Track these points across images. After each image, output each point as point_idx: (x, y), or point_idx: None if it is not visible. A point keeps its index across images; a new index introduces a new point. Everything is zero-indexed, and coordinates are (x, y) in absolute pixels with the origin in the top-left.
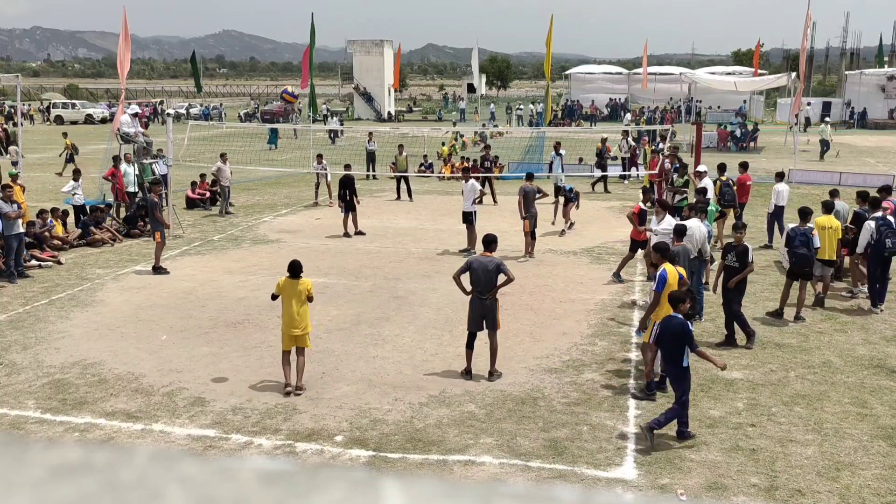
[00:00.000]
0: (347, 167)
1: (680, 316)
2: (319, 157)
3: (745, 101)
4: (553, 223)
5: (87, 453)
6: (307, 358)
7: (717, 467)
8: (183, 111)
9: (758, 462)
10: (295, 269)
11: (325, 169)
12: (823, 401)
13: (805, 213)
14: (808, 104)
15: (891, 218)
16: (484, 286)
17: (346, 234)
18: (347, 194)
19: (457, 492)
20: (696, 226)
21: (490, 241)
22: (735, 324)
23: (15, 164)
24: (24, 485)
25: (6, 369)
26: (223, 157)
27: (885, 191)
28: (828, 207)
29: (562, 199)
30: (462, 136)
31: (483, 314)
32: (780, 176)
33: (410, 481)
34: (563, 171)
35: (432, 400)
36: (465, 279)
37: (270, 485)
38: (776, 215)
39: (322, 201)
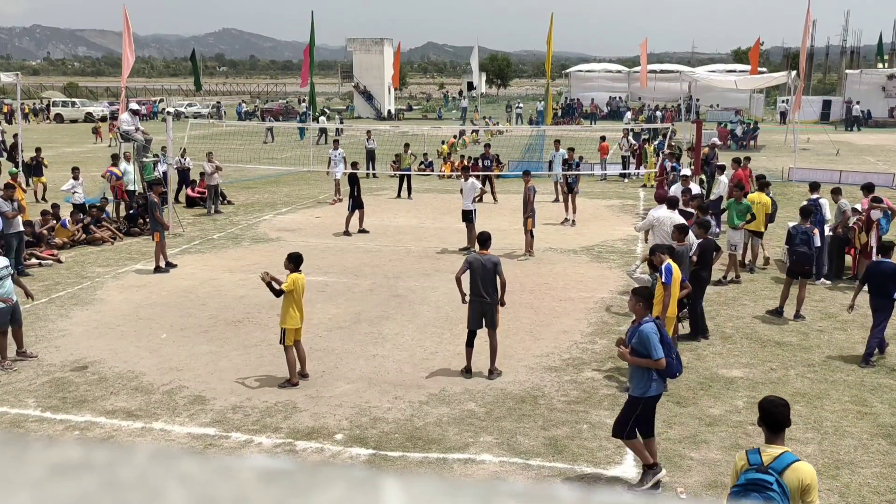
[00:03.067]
0: (355, 165)
1: (890, 261)
2: (336, 142)
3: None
4: (573, 219)
5: (87, 452)
6: (307, 357)
7: (716, 465)
8: (182, 108)
9: None
10: (300, 262)
11: (343, 158)
12: (823, 399)
13: (806, 212)
14: (858, 103)
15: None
16: (485, 284)
17: (347, 233)
18: (355, 191)
19: (457, 490)
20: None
21: (486, 240)
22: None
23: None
24: (24, 483)
25: (9, 369)
26: (209, 156)
27: (868, 188)
28: (761, 186)
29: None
30: (463, 133)
31: (483, 312)
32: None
33: (410, 480)
34: (562, 168)
35: (432, 398)
36: (465, 278)
37: (270, 483)
38: (717, 205)
39: (324, 199)
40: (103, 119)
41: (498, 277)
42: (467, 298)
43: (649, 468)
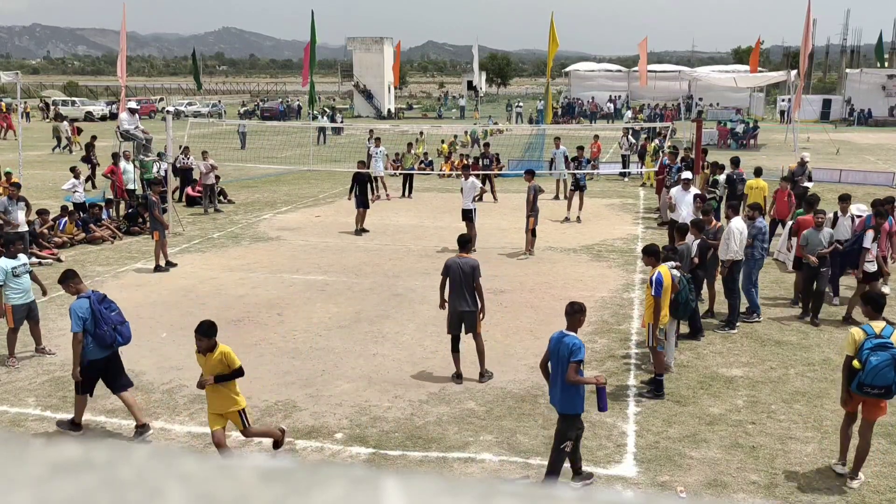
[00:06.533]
0: (361, 164)
1: None
2: (378, 140)
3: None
4: (579, 217)
5: (87, 451)
6: (307, 356)
7: (717, 464)
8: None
9: (758, 459)
10: (215, 331)
11: (385, 155)
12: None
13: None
14: None
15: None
16: (462, 289)
17: (362, 230)
18: (360, 190)
19: (457, 489)
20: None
21: (465, 242)
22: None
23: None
24: (25, 482)
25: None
26: (204, 155)
27: (844, 199)
28: (757, 173)
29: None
30: (456, 136)
31: (461, 318)
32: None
33: (410, 479)
34: (570, 166)
35: (432, 397)
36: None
37: (270, 482)
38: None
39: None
40: (67, 119)
41: (475, 283)
42: (446, 305)
43: (75, 425)
